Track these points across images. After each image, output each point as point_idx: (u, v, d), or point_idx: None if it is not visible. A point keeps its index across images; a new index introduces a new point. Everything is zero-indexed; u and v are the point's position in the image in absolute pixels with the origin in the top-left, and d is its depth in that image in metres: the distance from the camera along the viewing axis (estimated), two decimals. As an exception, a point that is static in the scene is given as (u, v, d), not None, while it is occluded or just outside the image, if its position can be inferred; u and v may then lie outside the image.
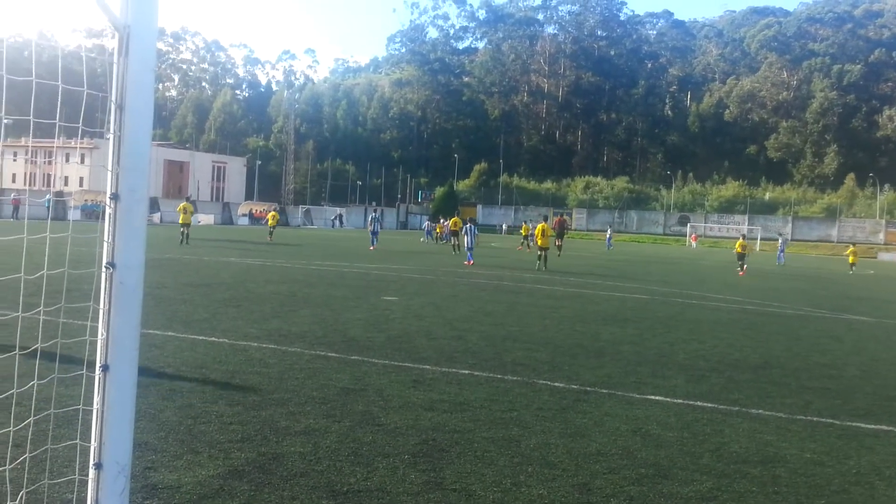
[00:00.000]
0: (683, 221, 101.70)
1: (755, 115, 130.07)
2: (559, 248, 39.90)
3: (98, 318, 3.21)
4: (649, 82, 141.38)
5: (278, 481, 4.95)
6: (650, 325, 14.06)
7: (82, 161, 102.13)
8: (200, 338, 10.09)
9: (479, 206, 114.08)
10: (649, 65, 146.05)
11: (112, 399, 3.21)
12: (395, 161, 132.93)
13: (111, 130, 3.17)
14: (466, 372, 8.77)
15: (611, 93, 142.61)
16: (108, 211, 3.18)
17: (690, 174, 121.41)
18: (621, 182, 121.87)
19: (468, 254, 30.33)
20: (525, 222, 53.66)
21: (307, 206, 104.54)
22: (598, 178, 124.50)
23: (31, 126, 3.52)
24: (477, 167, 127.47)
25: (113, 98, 3.18)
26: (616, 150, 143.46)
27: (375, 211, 51.17)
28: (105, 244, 3.18)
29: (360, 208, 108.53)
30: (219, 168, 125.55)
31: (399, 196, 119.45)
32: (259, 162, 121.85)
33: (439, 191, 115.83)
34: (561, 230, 41.04)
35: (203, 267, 21.98)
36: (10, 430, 3.60)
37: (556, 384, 8.37)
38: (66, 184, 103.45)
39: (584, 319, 14.41)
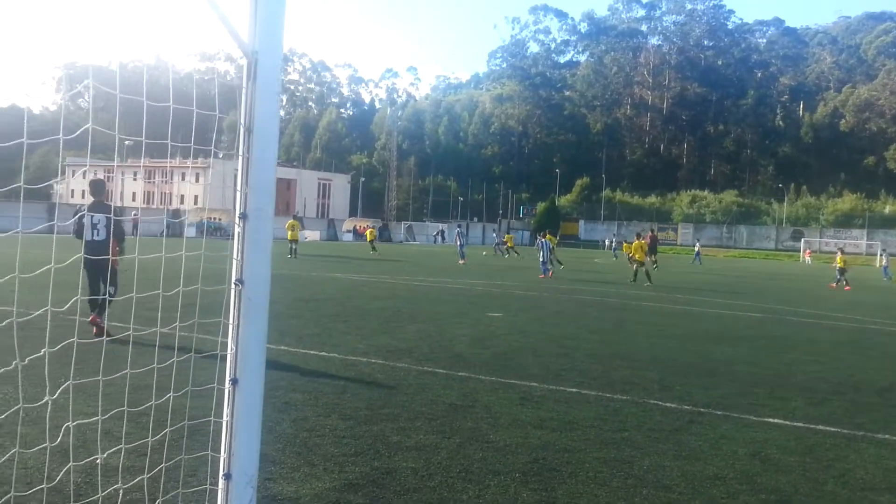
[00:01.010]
0: (797, 236, 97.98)
1: (873, 125, 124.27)
2: (655, 262, 40.47)
3: (227, 332, 3.35)
4: (759, 92, 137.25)
5: (392, 496, 5.02)
6: (765, 345, 13.60)
7: (196, 180, 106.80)
8: (312, 352, 10.37)
9: (582, 222, 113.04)
10: (759, 74, 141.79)
11: (241, 411, 3.34)
12: (496, 176, 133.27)
13: (240, 152, 3.31)
14: (574, 390, 8.70)
15: (718, 104, 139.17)
16: (236, 230, 3.32)
17: (804, 187, 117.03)
18: (730, 196, 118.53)
19: (542, 267, 30.67)
20: (625, 241, 53.71)
21: (409, 222, 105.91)
22: (705, 192, 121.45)
23: (170, 148, 3.72)
24: (579, 182, 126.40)
25: (242, 121, 3.33)
26: (724, 163, 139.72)
27: (459, 226, 52.63)
28: (234, 262, 3.32)
29: (462, 224, 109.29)
30: (324, 185, 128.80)
31: (500, 211, 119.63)
32: (363, 178, 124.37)
33: (541, 206, 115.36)
34: (653, 245, 42.20)
35: (311, 283, 22.56)
36: (148, 440, 3.78)
37: (668, 404, 8.20)
38: (181, 202, 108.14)
39: (694, 338, 14.06)
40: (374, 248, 48.14)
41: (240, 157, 3.32)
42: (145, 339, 7.67)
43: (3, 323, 3.02)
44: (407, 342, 11.72)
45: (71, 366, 3.32)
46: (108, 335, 9.72)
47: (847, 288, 32.51)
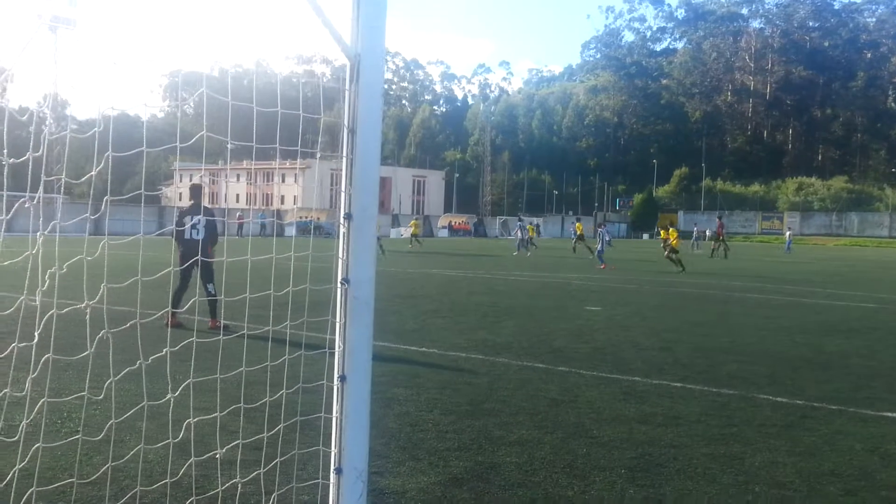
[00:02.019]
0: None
1: None
2: (724, 250, 43.50)
3: (335, 331, 3.42)
4: (869, 73, 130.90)
5: (497, 490, 5.04)
6: (881, 337, 13.01)
7: (296, 181, 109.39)
8: (412, 348, 10.49)
9: (681, 213, 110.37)
10: (868, 55, 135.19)
11: (350, 407, 3.42)
12: (592, 169, 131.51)
13: (344, 153, 3.38)
14: (678, 385, 8.52)
15: (825, 87, 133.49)
16: (341, 230, 3.39)
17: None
18: (839, 182, 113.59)
19: (598, 258, 31.14)
20: (663, 228, 51.98)
21: (504, 217, 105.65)
22: (813, 179, 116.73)
23: (278, 151, 3.83)
24: (677, 172, 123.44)
25: (345, 122, 3.39)
26: (832, 148, 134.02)
27: (521, 220, 52.79)
28: (340, 261, 3.39)
29: (556, 218, 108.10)
30: (419, 182, 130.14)
31: (596, 204, 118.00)
32: (457, 174, 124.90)
33: (637, 198, 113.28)
34: (720, 234, 45.22)
35: (408, 279, 22.82)
36: (263, 436, 3.91)
37: (779, 399, 7.94)
38: (282, 202, 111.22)
39: (805, 330, 13.56)
40: (416, 241, 50.06)
41: (344, 158, 3.38)
42: (255, 336, 7.94)
43: (128, 324, 3.18)
44: (505, 337, 11.72)
45: (191, 362, 3.46)
46: (226, 329, 10.46)
47: None
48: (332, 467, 3.40)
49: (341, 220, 3.38)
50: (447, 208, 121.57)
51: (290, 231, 61.46)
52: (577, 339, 11.69)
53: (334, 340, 3.41)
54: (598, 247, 31.41)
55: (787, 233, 62.46)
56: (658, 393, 8.08)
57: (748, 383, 8.70)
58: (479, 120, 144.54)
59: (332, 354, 3.41)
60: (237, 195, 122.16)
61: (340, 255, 3.39)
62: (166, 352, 3.05)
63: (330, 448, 3.43)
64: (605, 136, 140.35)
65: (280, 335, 4.11)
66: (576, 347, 10.94)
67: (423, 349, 10.41)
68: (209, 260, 11.35)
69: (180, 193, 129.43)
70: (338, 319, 3.40)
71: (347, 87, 3.37)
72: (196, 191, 12.40)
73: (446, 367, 9.17)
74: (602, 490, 5.11)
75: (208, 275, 11.61)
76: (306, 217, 72.44)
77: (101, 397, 6.02)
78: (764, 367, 9.75)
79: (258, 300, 3.77)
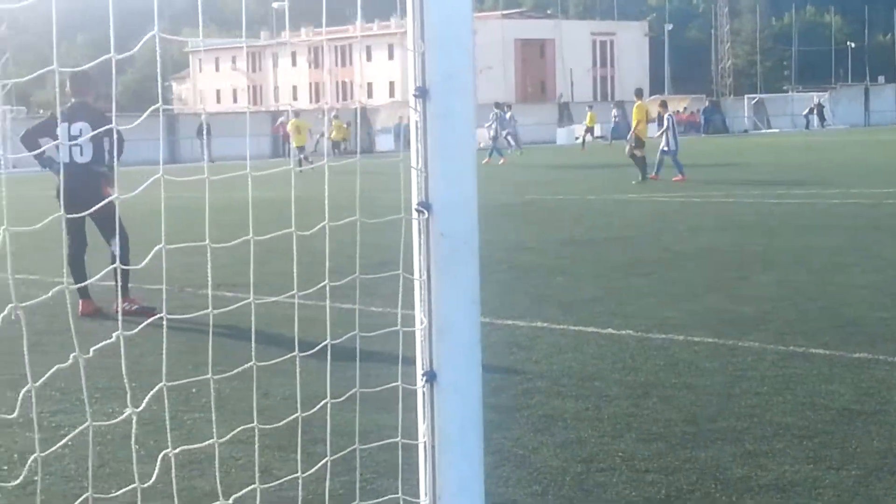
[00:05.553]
0: None
1: None
2: None
3: (415, 294, 2.02)
4: None
5: None
6: None
7: (390, 56, 72.68)
8: (589, 329, 7.31)
9: None
10: None
11: (447, 427, 2.03)
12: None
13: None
14: None
15: None
16: (413, 118, 2.01)
17: None
18: None
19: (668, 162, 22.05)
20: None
21: (757, 96, 67.19)
22: None
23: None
24: None
25: None
26: None
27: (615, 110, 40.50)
28: (414, 174, 2.00)
29: (854, 90, 67.53)
30: (602, 44, 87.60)
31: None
32: (670, 26, 79.49)
33: None
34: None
35: (587, 212, 16.89)
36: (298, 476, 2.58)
37: None
38: (369, 94, 74.86)
39: None
40: (305, 161, 28.28)
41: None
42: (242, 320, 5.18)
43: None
44: (756, 304, 8.07)
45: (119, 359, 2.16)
46: (145, 312, 6.91)
47: None
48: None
49: (412, 103, 2.01)
50: (656, 86, 78.09)
51: (386, 142, 44.22)
52: (893, 303, 7.94)
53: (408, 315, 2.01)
54: (666, 144, 21.73)
55: None
56: None
57: None
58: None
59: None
60: (294, 87, 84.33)
61: (414, 163, 2.00)
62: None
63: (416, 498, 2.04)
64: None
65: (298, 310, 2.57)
66: (889, 317, 7.32)
67: (609, 331, 7.23)
68: (104, 199, 4.79)
69: (201, 92, 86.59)
70: (416, 276, 2.01)
71: None
72: (80, 82, 7.69)
73: (648, 363, 6.24)
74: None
75: (107, 225, 7.01)
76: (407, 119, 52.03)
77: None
78: None
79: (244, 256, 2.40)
